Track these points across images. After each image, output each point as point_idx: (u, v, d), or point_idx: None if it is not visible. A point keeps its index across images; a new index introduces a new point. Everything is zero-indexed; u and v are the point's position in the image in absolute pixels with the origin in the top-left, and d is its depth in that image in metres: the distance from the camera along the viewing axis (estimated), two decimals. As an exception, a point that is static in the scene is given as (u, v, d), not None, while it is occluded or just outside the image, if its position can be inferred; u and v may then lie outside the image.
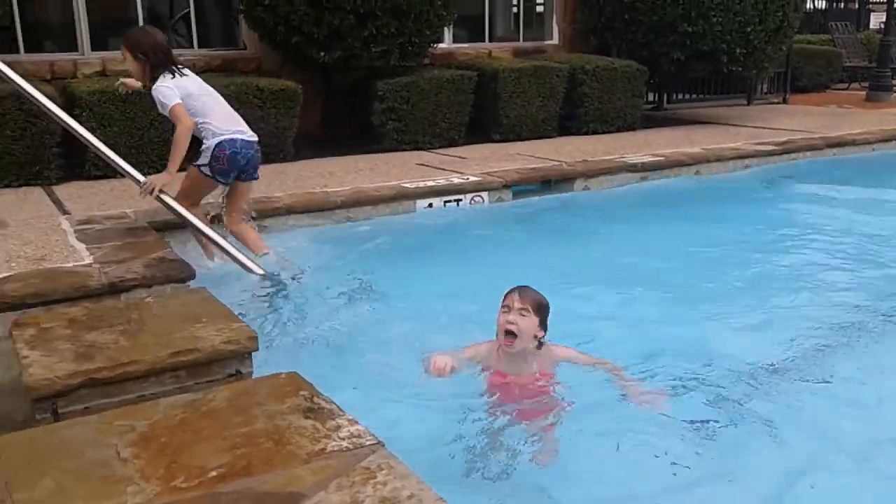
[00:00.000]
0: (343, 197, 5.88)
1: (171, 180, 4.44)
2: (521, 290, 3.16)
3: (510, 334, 3.09)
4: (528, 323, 3.10)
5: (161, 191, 4.43)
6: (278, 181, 6.37)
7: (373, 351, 3.58)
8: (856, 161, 8.58)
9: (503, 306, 3.14)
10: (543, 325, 3.17)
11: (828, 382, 3.44)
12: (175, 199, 4.52)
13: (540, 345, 3.19)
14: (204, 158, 4.49)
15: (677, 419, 3.02)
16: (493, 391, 3.14)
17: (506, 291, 3.19)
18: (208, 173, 4.50)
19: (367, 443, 2.14)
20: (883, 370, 3.56)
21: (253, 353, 2.96)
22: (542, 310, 3.16)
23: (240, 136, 4.55)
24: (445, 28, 8.88)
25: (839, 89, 15.05)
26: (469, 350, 3.30)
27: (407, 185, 6.27)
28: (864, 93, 13.74)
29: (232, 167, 4.52)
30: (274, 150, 7.33)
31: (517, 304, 3.10)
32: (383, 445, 2.14)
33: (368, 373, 3.37)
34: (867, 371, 3.52)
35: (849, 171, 8.21)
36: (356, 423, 2.26)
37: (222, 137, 4.47)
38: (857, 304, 4.35)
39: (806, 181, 7.73)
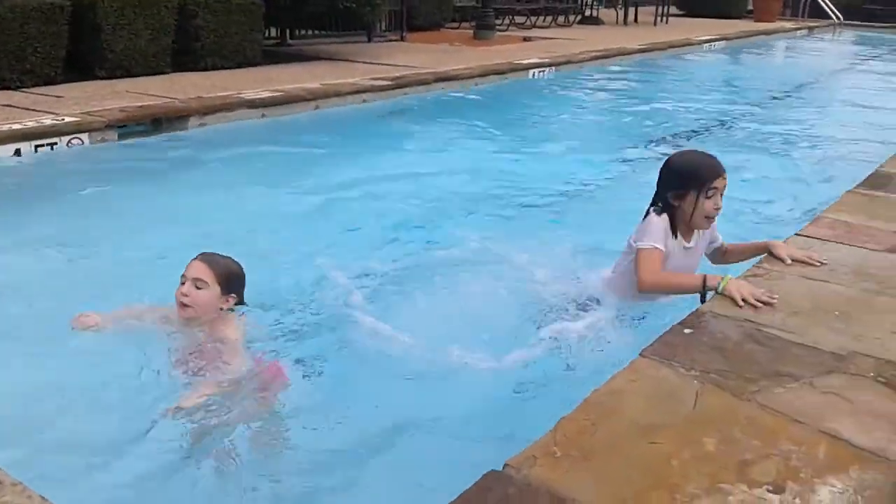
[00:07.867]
0: None
1: None
2: (202, 258, 2.88)
3: (184, 306, 2.84)
4: (205, 296, 2.83)
5: None
6: None
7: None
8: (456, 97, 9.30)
9: (182, 275, 2.86)
10: (231, 291, 2.91)
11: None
12: None
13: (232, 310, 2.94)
14: None
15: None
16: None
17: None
18: None
19: None
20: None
21: None
22: (229, 278, 2.89)
23: None
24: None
25: (452, 28, 16.19)
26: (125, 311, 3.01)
27: (-16, 130, 5.50)
28: (472, 31, 14.93)
29: None
30: None
31: (192, 274, 2.84)
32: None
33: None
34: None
35: (454, 104, 8.92)
36: None
37: None
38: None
39: (415, 114, 8.24)
